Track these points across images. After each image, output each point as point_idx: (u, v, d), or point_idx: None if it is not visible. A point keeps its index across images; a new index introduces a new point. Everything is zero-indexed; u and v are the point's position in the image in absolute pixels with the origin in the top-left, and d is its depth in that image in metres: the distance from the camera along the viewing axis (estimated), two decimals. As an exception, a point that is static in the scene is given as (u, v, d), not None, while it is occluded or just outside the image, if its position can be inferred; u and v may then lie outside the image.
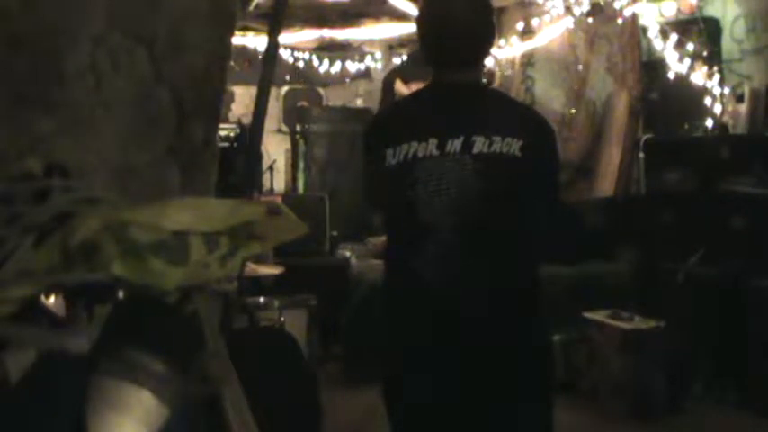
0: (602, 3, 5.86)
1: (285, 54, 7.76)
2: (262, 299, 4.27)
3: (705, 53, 5.26)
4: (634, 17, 5.80)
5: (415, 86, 4.78)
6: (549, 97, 6.55)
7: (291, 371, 3.13)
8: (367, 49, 8.40)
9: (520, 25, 6.45)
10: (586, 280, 4.81)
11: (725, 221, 4.39)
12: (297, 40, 7.83)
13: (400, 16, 7.01)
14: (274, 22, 2.43)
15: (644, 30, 5.77)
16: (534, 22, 6.31)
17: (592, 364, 4.33)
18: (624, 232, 5.16)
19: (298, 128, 7.24)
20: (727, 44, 5.43)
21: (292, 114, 7.97)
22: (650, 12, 5.66)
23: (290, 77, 8.47)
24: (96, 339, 0.98)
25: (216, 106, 1.61)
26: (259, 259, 4.15)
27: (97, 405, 0.92)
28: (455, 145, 2.07)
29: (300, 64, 8.16)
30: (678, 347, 4.18)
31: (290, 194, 7.13)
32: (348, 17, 7.47)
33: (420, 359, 2.14)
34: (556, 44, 6.41)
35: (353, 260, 5.56)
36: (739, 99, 5.17)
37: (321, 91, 8.87)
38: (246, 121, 6.39)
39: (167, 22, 1.47)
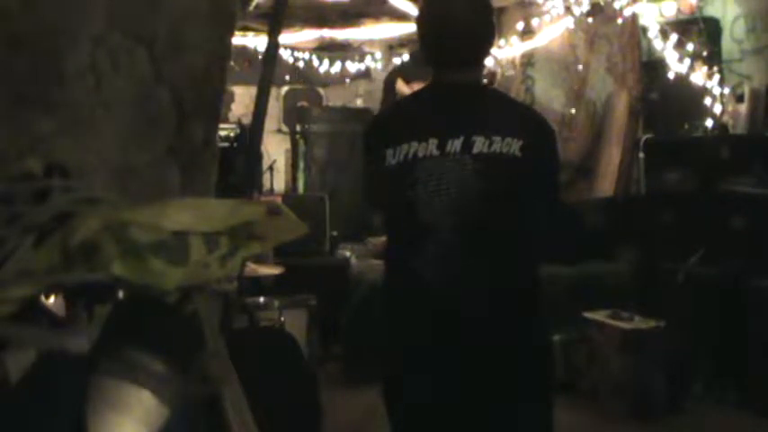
0: (602, 3, 5.86)
1: (285, 54, 7.76)
2: (262, 299, 4.27)
3: (705, 53, 5.26)
4: (634, 17, 5.80)
5: (416, 86, 4.78)
6: (549, 97, 6.55)
7: (291, 371, 3.13)
8: (367, 49, 8.40)
9: (520, 25, 6.45)
10: (586, 280, 4.81)
11: (725, 221, 4.39)
12: (297, 40, 7.83)
13: (400, 16, 7.01)
14: (274, 22, 2.43)
15: (644, 30, 5.77)
16: (534, 22, 6.31)
17: (592, 364, 4.33)
18: (624, 232, 5.15)
19: (298, 128, 7.24)
20: (727, 44, 5.43)
21: (292, 114, 7.97)
22: (650, 12, 5.66)
23: (290, 77, 8.47)
24: (96, 339, 0.98)
25: (216, 106, 1.61)
26: (259, 259, 4.15)
27: (97, 405, 0.92)
28: (455, 145, 2.07)
29: (300, 64, 8.16)
30: (678, 347, 4.18)
31: (290, 194, 7.13)
32: (348, 17, 7.47)
33: (420, 359, 2.14)
34: (556, 44, 6.41)
35: (353, 260, 5.56)
36: (739, 99, 5.17)
37: (321, 91, 8.87)
38: (246, 121, 6.39)
39: (167, 22, 1.47)
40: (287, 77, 8.43)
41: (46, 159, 1.16)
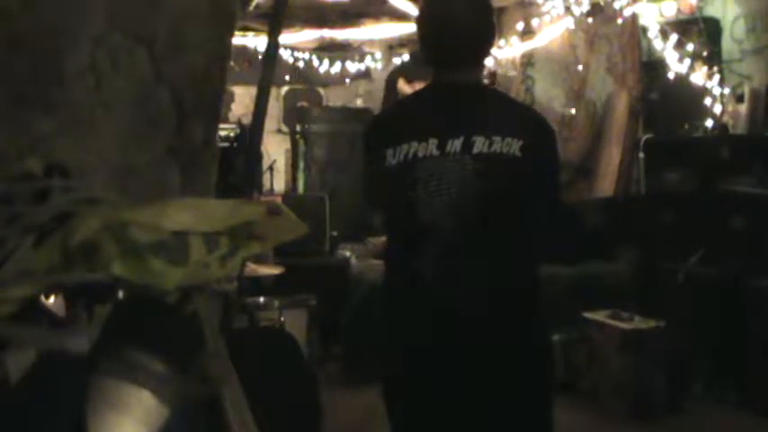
0: (602, 3, 5.86)
1: (285, 54, 7.76)
2: (262, 299, 4.27)
3: (705, 53, 5.26)
4: (634, 17, 5.80)
5: (418, 85, 4.76)
6: (549, 97, 6.55)
7: (291, 371, 3.13)
8: (367, 49, 8.40)
9: (520, 25, 6.45)
10: (586, 280, 4.81)
11: (725, 221, 4.39)
12: (297, 40, 7.83)
13: (400, 16, 7.01)
14: (274, 22, 2.43)
15: (644, 30, 5.77)
16: (534, 22, 6.31)
17: (592, 364, 4.33)
18: (624, 232, 5.15)
19: (298, 128, 7.24)
20: (727, 44, 5.43)
21: (292, 114, 7.97)
22: (650, 12, 5.66)
23: (290, 77, 8.47)
24: (96, 339, 0.98)
25: (216, 106, 1.61)
26: (259, 259, 4.15)
27: (97, 405, 0.92)
28: (455, 145, 2.06)
29: (300, 64, 8.16)
30: (678, 347, 4.18)
31: (290, 194, 7.13)
32: (348, 17, 7.47)
33: (420, 359, 2.14)
34: (556, 44, 6.41)
35: (353, 260, 5.56)
36: (739, 99, 5.17)
37: (321, 91, 8.87)
38: (246, 121, 6.38)
39: (167, 22, 1.47)
40: (287, 77, 8.43)
41: (46, 159, 1.16)
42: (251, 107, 2.34)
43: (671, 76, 5.36)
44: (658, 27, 5.45)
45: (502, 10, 6.72)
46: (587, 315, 4.39)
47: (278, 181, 7.77)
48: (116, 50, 1.40)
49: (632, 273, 4.90)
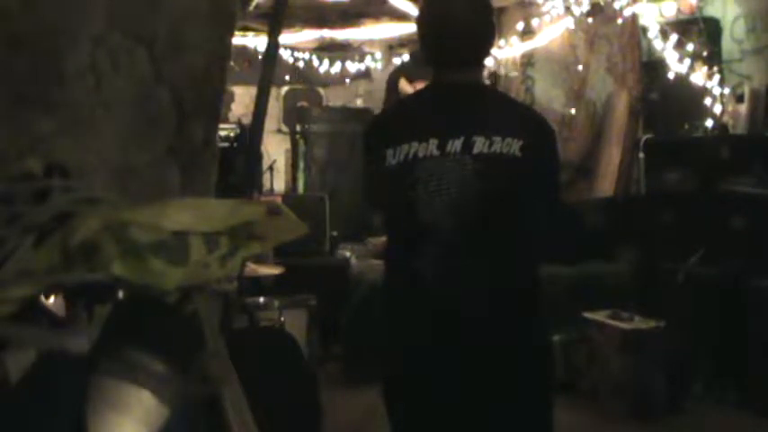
0: (602, 3, 5.86)
1: (285, 54, 7.76)
2: (262, 299, 4.27)
3: (705, 53, 5.26)
4: (634, 17, 5.80)
5: (419, 85, 4.77)
6: (549, 97, 6.55)
7: (291, 371, 3.13)
8: (367, 49, 8.41)
9: (520, 25, 6.45)
10: (586, 280, 4.81)
11: (725, 221, 4.39)
12: (297, 40, 7.83)
13: (400, 16, 7.01)
14: (274, 22, 2.43)
15: (644, 30, 5.77)
16: (534, 22, 6.32)
17: (592, 364, 4.33)
18: (624, 232, 5.15)
19: (298, 128, 7.24)
20: (727, 44, 5.43)
21: (292, 114, 7.97)
22: (650, 12, 5.66)
23: (290, 77, 8.47)
24: (96, 339, 0.98)
25: (216, 106, 1.61)
26: (259, 259, 4.15)
27: (97, 405, 0.92)
28: (455, 145, 2.06)
29: (300, 64, 8.16)
30: (678, 347, 4.18)
31: (290, 194, 7.13)
32: (348, 17, 7.47)
33: (420, 359, 2.13)
34: (556, 44, 6.41)
35: (353, 260, 5.56)
36: (739, 99, 5.17)
37: (321, 91, 8.87)
38: (246, 121, 6.39)
39: (167, 22, 1.47)
40: (287, 77, 8.44)
41: (46, 159, 1.16)
42: (251, 107, 2.34)
43: (671, 76, 5.36)
44: (658, 27, 5.45)
45: (502, 10, 6.72)
46: (587, 315, 4.39)
47: (278, 181, 7.77)
48: (116, 50, 1.41)
49: (632, 273, 4.90)
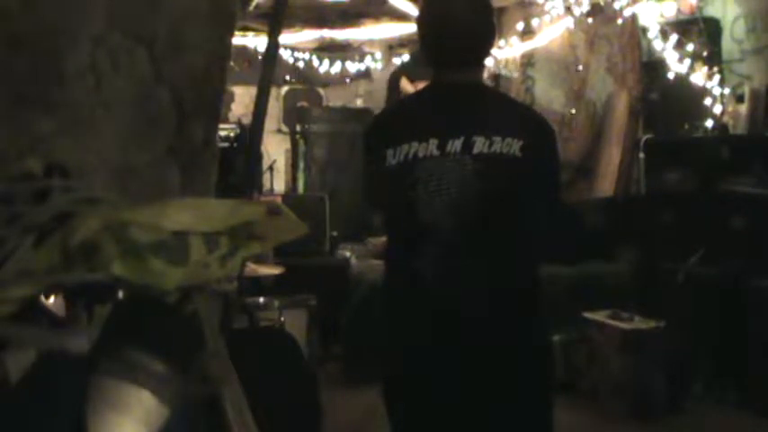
0: (602, 3, 5.86)
1: (285, 54, 7.76)
2: (262, 299, 4.27)
3: (705, 53, 5.26)
4: (634, 17, 5.80)
5: (420, 85, 4.77)
6: (549, 97, 6.55)
7: (291, 371, 3.13)
8: (367, 49, 8.41)
9: (520, 25, 6.45)
10: (586, 280, 4.81)
11: (725, 221, 4.39)
12: (297, 40, 7.83)
13: (400, 16, 7.01)
14: (274, 22, 2.42)
15: (644, 30, 5.77)
16: (534, 22, 6.31)
17: (592, 364, 4.33)
18: (624, 232, 5.15)
19: (298, 128, 7.25)
20: (727, 44, 5.43)
21: (292, 114, 7.97)
22: (650, 12, 5.65)
23: (290, 77, 8.48)
24: (96, 339, 0.98)
25: (216, 106, 1.61)
26: (259, 259, 4.15)
27: (97, 405, 0.92)
28: (455, 145, 2.06)
29: (300, 64, 8.16)
30: (678, 347, 4.18)
31: (290, 194, 7.13)
32: (348, 17, 7.47)
33: (420, 359, 2.13)
34: (556, 44, 6.41)
35: (353, 260, 5.56)
36: (739, 99, 5.17)
37: (321, 91, 8.87)
38: (246, 121, 6.38)
39: (167, 22, 1.47)
40: (287, 77, 8.44)
41: (46, 159, 1.16)
42: (251, 107, 2.34)
43: (671, 76, 5.36)
44: (658, 27, 5.45)
45: (502, 10, 6.72)
46: (587, 315, 4.39)
47: (278, 181, 7.77)
48: (116, 50, 1.41)
49: (632, 273, 4.90)
